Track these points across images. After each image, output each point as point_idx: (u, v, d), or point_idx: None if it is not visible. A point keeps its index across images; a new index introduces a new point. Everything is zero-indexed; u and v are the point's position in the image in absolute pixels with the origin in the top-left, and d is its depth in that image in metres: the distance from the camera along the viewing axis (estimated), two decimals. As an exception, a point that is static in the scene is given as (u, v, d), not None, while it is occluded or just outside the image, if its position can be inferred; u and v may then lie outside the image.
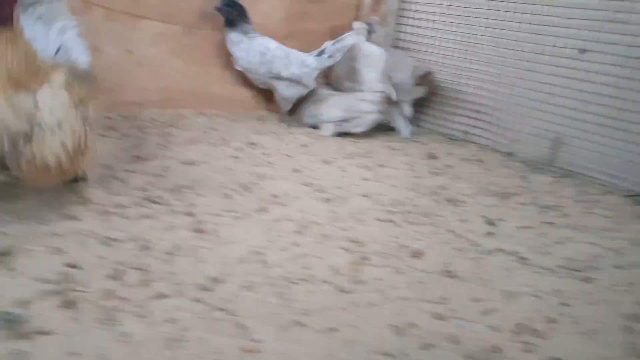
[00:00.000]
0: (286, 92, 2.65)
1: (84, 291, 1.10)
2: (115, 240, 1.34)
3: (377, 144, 2.61)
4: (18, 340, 0.92)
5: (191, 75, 2.67)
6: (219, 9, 2.48)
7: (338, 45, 2.57)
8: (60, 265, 1.19)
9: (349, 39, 2.57)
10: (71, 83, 1.33)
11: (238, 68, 2.66)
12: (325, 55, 2.59)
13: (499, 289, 1.32)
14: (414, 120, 2.91)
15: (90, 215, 1.46)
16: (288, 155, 2.27)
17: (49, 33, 1.50)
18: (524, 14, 2.50)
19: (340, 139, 2.63)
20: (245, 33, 2.56)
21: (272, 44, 2.61)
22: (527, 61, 2.51)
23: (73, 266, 1.20)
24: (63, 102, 1.29)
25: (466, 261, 1.46)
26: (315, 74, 2.60)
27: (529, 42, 2.49)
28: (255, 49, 2.56)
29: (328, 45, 2.60)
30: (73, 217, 1.43)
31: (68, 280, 1.14)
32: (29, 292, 1.08)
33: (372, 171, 2.18)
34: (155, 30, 2.48)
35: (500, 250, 1.55)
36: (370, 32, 2.72)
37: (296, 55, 2.61)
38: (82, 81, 1.38)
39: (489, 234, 1.67)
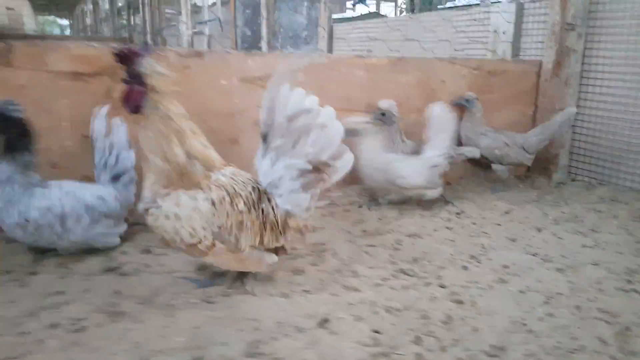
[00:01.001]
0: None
1: (400, 354, 1.42)
2: (397, 310, 1.66)
3: (577, 207, 2.69)
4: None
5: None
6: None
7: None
8: (368, 331, 1.54)
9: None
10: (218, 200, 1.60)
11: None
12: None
13: None
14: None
15: (367, 286, 1.82)
16: (497, 224, 2.47)
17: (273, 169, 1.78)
18: None
19: (538, 203, 2.77)
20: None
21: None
22: None
23: (377, 332, 1.53)
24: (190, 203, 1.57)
25: None
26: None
27: None
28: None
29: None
30: (355, 289, 1.80)
31: (380, 344, 1.47)
32: (356, 354, 1.42)
33: (588, 237, 2.28)
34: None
35: None
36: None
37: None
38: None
39: None
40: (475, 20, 4.15)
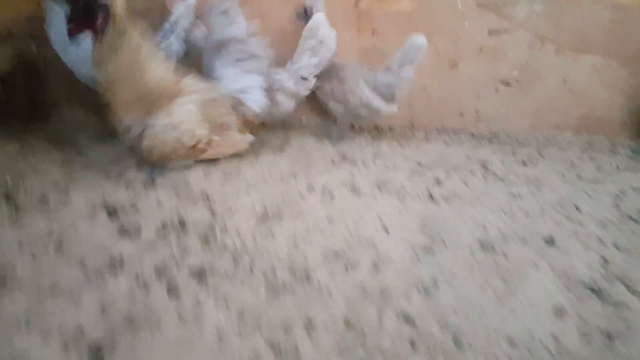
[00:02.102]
0: None
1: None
2: (625, 249, 1.68)
3: None
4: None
5: (615, 106, 2.88)
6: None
7: None
8: (598, 258, 1.59)
9: None
10: (208, 103, 1.78)
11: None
12: None
13: None
14: None
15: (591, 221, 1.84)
16: None
17: (241, 78, 1.97)
18: None
19: None
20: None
21: None
22: None
23: (606, 260, 1.58)
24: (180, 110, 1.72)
25: None
26: None
27: None
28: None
29: None
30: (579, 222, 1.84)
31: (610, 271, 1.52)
32: (588, 273, 1.49)
33: None
34: (592, 63, 2.79)
35: None
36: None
37: None
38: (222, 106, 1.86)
39: None
40: None
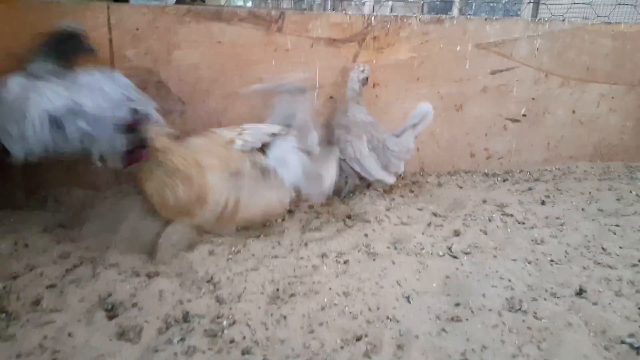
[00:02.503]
0: None
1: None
2: (663, 293, 1.61)
3: None
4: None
5: (627, 131, 2.85)
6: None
7: None
8: (634, 307, 1.52)
9: None
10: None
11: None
12: None
13: None
14: None
15: (621, 265, 1.78)
16: None
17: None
18: None
19: None
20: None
21: None
22: None
23: (644, 311, 1.51)
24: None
25: None
26: None
27: None
28: None
29: None
30: (609, 265, 1.78)
31: (651, 323, 1.46)
32: (625, 326, 1.43)
33: None
34: (599, 91, 2.77)
35: None
36: None
37: None
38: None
39: None
40: None
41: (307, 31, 2.37)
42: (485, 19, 2.56)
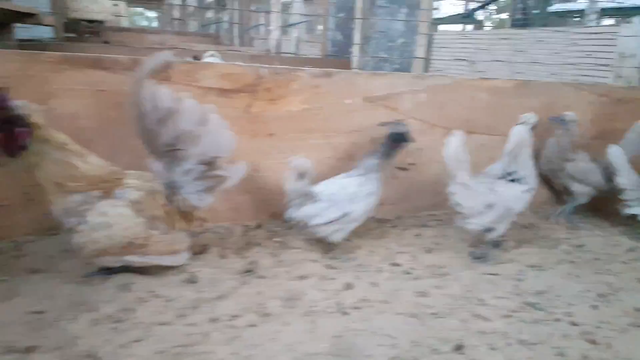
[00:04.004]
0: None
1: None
2: (531, 343, 1.78)
3: None
4: None
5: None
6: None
7: None
8: (504, 361, 1.67)
9: None
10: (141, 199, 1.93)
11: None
12: None
13: None
14: None
15: (496, 316, 1.94)
16: (623, 262, 2.49)
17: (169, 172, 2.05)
18: None
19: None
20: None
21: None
22: None
23: (513, 363, 1.66)
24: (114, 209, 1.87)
25: None
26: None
27: None
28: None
29: None
30: (484, 318, 1.93)
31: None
32: None
33: None
34: (479, 141, 3.04)
35: None
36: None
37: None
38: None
39: None
40: (596, 38, 4.11)
41: (197, 81, 2.37)
42: (373, 74, 2.73)
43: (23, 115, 1.72)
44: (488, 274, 2.31)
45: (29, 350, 1.57)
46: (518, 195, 2.48)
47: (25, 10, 4.91)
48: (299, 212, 2.27)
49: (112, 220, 1.86)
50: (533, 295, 2.14)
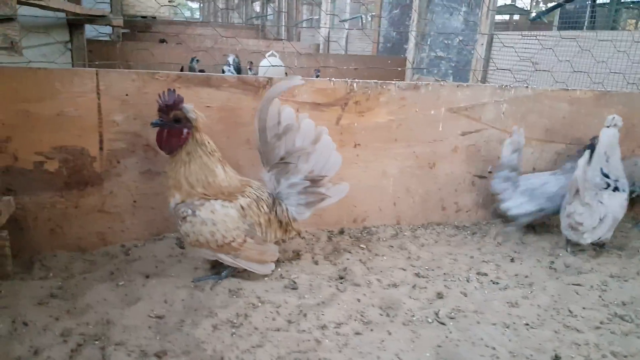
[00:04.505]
0: None
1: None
2: (623, 356, 1.86)
3: None
4: None
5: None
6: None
7: None
8: None
9: None
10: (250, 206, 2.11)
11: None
12: None
13: None
14: None
15: (586, 327, 2.03)
16: None
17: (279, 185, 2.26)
18: None
19: None
20: None
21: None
22: None
23: None
24: (223, 210, 2.04)
25: None
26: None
27: None
28: None
29: None
30: (576, 329, 2.02)
31: None
32: None
33: None
34: (556, 150, 3.10)
35: None
36: None
37: None
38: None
39: None
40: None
41: (293, 96, 2.52)
42: (457, 86, 2.82)
43: (190, 117, 1.96)
44: (572, 284, 2.39)
45: (159, 355, 1.71)
46: (622, 204, 2.61)
47: (99, 14, 5.22)
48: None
49: (217, 218, 2.02)
50: (619, 306, 2.21)
